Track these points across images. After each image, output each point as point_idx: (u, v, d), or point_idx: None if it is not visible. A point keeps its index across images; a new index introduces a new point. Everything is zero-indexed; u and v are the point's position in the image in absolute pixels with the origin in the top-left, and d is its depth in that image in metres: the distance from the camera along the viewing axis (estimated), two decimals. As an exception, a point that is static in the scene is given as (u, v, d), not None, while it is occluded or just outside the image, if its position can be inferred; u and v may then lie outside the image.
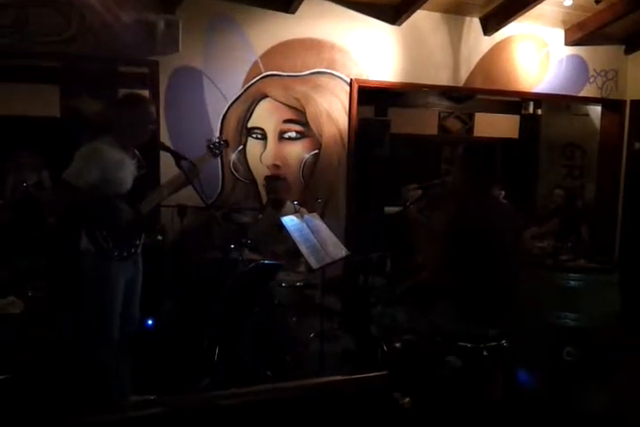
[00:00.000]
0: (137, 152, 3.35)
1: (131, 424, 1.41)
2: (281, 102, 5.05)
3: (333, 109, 5.20)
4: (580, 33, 5.80)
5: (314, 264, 3.65)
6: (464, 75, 5.64)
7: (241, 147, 4.97)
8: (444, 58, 5.53)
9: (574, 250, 4.42)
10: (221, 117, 4.89)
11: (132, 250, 3.24)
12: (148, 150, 3.49)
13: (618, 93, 6.30)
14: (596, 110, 6.87)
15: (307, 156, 5.19)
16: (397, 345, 3.09)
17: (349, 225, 5.31)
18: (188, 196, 4.27)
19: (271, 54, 4.96)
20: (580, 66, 6.10)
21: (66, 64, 5.28)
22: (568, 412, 3.38)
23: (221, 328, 3.79)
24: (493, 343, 2.92)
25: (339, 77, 5.17)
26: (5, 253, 4.25)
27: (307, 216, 4.05)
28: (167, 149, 3.49)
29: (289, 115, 5.09)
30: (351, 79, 5.20)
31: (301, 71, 5.05)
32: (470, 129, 8.34)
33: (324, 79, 5.13)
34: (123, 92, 4.66)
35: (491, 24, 5.55)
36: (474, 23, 5.59)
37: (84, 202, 3.08)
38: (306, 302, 4.44)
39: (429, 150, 8.13)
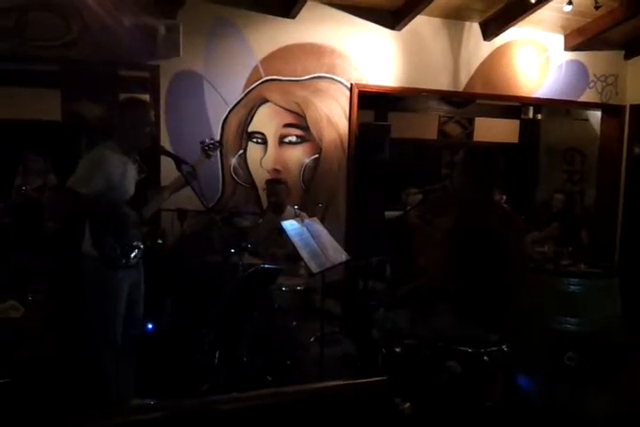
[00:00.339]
0: (136, 156, 3.35)
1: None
2: (281, 107, 5.05)
3: (334, 114, 5.20)
4: (580, 38, 5.81)
5: (314, 269, 3.65)
6: (464, 80, 5.64)
7: (241, 151, 4.98)
8: (443, 63, 5.54)
9: (574, 255, 4.42)
10: (222, 122, 4.89)
11: (135, 255, 3.25)
12: (149, 155, 3.50)
13: (617, 98, 6.31)
14: (595, 115, 6.88)
15: (307, 160, 5.19)
16: (398, 350, 3.08)
17: (349, 230, 5.31)
18: (188, 200, 4.28)
19: (271, 59, 4.97)
20: (580, 71, 6.11)
21: (66, 68, 5.29)
22: (569, 417, 3.37)
23: (222, 332, 3.79)
24: (494, 348, 2.92)
25: (339, 82, 5.18)
26: (5, 256, 4.26)
27: (307, 221, 4.05)
28: (168, 154, 3.51)
29: (289, 119, 5.10)
30: (351, 84, 5.21)
31: (302, 76, 5.06)
32: (470, 134, 8.36)
33: (324, 84, 5.14)
34: (123, 96, 4.67)
35: (490, 29, 5.57)
36: (474, 28, 5.60)
37: (89, 209, 3.09)
38: (306, 306, 4.44)
39: (429, 155, 8.14)
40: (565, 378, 3.48)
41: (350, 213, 5.34)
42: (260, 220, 4.76)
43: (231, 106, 4.91)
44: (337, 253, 4.01)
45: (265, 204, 4.98)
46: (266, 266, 3.90)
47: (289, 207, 4.77)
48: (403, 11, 5.13)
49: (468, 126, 8.33)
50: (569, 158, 8.02)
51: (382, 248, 4.74)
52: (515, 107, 7.98)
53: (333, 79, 5.16)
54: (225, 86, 4.87)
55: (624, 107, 6.33)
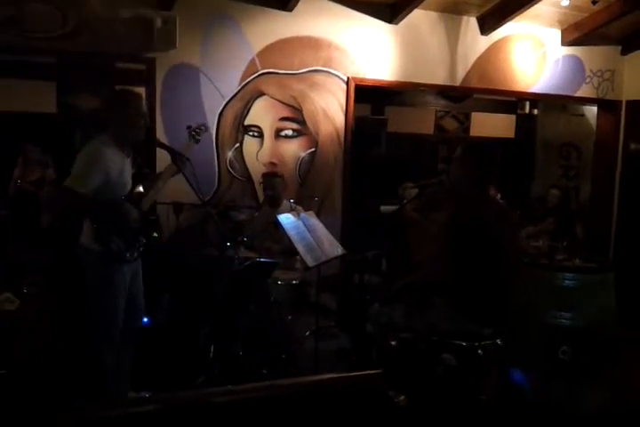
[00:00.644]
0: (130, 148, 3.35)
1: (125, 421, 1.41)
2: (278, 100, 5.04)
3: (330, 108, 5.20)
4: (577, 33, 5.81)
5: (310, 262, 3.65)
6: (461, 74, 5.64)
7: (237, 145, 4.97)
8: (440, 57, 5.53)
9: (570, 249, 4.43)
10: (218, 115, 4.88)
11: (137, 249, 3.25)
12: (145, 147, 3.49)
13: (614, 94, 6.31)
14: (592, 110, 6.89)
15: (303, 154, 5.19)
16: (393, 343, 3.09)
17: (345, 223, 5.31)
18: (184, 193, 4.29)
19: (268, 52, 4.95)
20: (577, 66, 6.11)
21: (62, 60, 5.27)
22: (563, 411, 3.39)
23: (217, 326, 3.79)
24: (488, 342, 2.93)
25: (336, 76, 5.17)
26: (1, 249, 4.25)
27: (303, 214, 4.05)
28: (163, 146, 3.51)
29: (286, 113, 5.09)
30: (348, 77, 5.20)
31: (298, 69, 5.05)
32: (467, 128, 8.35)
33: (320, 77, 5.13)
34: (119, 88, 4.66)
35: (488, 23, 5.56)
36: (471, 22, 5.59)
37: (88, 207, 3.08)
38: (302, 300, 4.45)
39: (426, 149, 8.14)
40: (560, 372, 3.49)
41: (346, 206, 5.34)
42: (256, 213, 4.76)
43: (227, 99, 4.89)
44: (333, 247, 4.01)
45: (261, 197, 4.98)
46: (262, 260, 3.91)
47: (285, 201, 4.77)
48: (400, 4, 5.12)
49: (465, 121, 8.33)
50: (565, 153, 8.03)
51: (378, 242, 4.74)
52: (511, 102, 7.99)
53: (330, 73, 5.15)
54: (221, 79, 4.86)
55: (620, 102, 6.34)
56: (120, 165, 3.18)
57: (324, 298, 4.40)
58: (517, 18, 5.41)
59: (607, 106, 6.40)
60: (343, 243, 4.32)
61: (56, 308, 3.76)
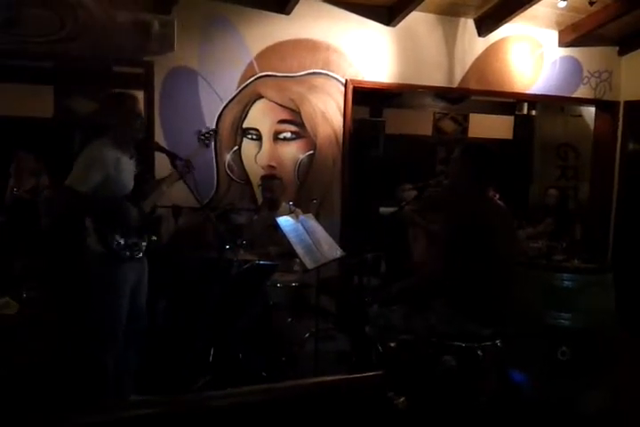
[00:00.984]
0: (133, 150, 3.39)
1: (124, 424, 1.41)
2: (276, 103, 5.05)
3: (328, 110, 5.20)
4: (574, 34, 5.81)
5: (309, 265, 3.65)
6: (459, 76, 5.65)
7: (236, 147, 4.97)
8: (438, 59, 5.54)
9: (568, 250, 4.43)
10: (216, 118, 4.88)
11: (138, 248, 3.26)
12: (144, 151, 3.51)
13: (611, 94, 6.32)
14: (589, 111, 6.89)
15: (302, 156, 5.19)
16: (392, 345, 3.09)
17: (344, 225, 5.31)
18: (183, 196, 4.29)
19: (266, 55, 4.96)
20: (574, 67, 6.12)
21: (60, 64, 5.28)
22: (562, 411, 3.39)
23: (216, 329, 3.79)
24: (488, 343, 2.93)
25: (334, 78, 5.17)
26: (0, 255, 4.25)
27: (302, 217, 4.05)
28: (162, 150, 3.52)
29: (284, 115, 5.09)
30: (346, 80, 5.21)
31: (296, 72, 5.06)
32: (465, 130, 8.36)
33: (319, 80, 5.13)
34: (115, 91, 4.66)
35: (485, 25, 5.57)
36: (468, 24, 5.60)
37: (89, 206, 3.11)
38: (301, 302, 4.44)
39: (424, 151, 8.14)
40: (559, 373, 3.50)
41: (345, 209, 5.35)
42: (255, 216, 4.76)
43: (226, 102, 4.90)
44: (332, 250, 4.01)
45: (260, 200, 4.98)
46: (261, 262, 3.91)
47: (284, 203, 4.77)
48: (398, 7, 5.13)
49: (463, 122, 8.33)
50: (563, 154, 8.03)
51: (377, 244, 4.74)
52: (509, 103, 8.00)
53: (328, 75, 5.15)
54: (219, 82, 4.86)
55: (618, 103, 6.35)
56: (121, 166, 3.21)
57: (323, 300, 4.40)
58: (515, 19, 5.42)
59: (605, 107, 6.40)
60: (342, 245, 4.31)
61: (55, 312, 3.76)
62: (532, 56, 5.90)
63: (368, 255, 4.50)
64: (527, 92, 5.98)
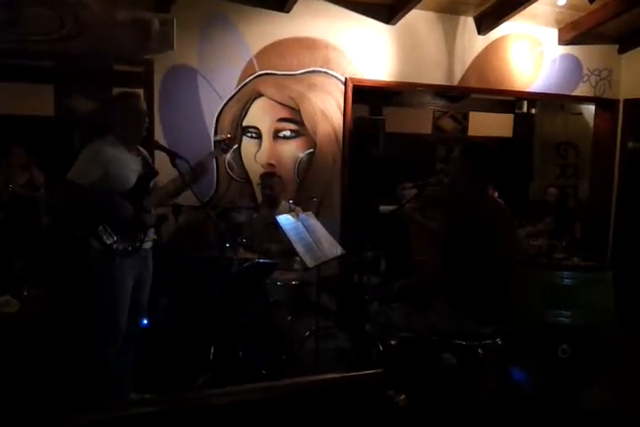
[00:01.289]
0: (143, 151, 3.44)
1: (125, 423, 1.41)
2: (276, 101, 5.05)
3: (328, 108, 5.20)
4: (574, 32, 5.81)
5: (309, 263, 3.65)
6: (458, 74, 5.65)
7: (236, 146, 4.97)
8: (438, 57, 5.54)
9: (568, 248, 4.44)
10: (216, 116, 4.88)
11: (136, 244, 3.26)
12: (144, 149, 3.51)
13: (611, 92, 6.32)
14: (589, 109, 6.89)
15: (301, 155, 5.19)
16: (393, 343, 3.10)
17: (344, 224, 5.31)
18: (183, 195, 4.28)
19: (266, 53, 4.96)
20: (574, 65, 6.12)
21: (60, 63, 5.27)
22: (562, 409, 3.39)
23: (217, 327, 3.79)
24: (488, 341, 2.94)
25: (333, 76, 5.17)
26: (0, 253, 4.25)
27: (302, 215, 4.05)
28: (162, 148, 3.51)
29: (284, 113, 5.09)
30: (346, 78, 5.21)
31: (296, 70, 5.06)
32: (465, 128, 8.36)
33: (318, 78, 5.13)
34: (117, 90, 4.66)
35: (485, 23, 5.57)
36: (468, 22, 5.60)
37: (87, 199, 3.15)
38: (301, 300, 4.45)
39: (424, 149, 8.14)
40: (559, 371, 3.50)
41: (345, 207, 5.35)
42: (255, 214, 4.76)
43: (225, 100, 4.90)
44: (332, 248, 4.02)
45: (260, 198, 4.98)
46: (261, 260, 3.91)
47: (283, 202, 4.77)
48: (397, 5, 5.13)
49: (463, 121, 8.33)
50: (563, 152, 8.03)
51: (377, 242, 4.75)
52: (509, 101, 7.99)
53: (328, 73, 5.15)
54: (219, 81, 4.86)
55: (618, 101, 6.35)
56: (123, 163, 3.24)
57: (323, 298, 4.40)
58: (514, 17, 5.42)
59: (605, 105, 6.40)
60: (342, 243, 4.32)
61: (56, 310, 3.77)
62: (531, 54, 5.90)
63: (368, 253, 4.50)
64: (527, 90, 5.98)
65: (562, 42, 5.96)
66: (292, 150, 5.16)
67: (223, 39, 4.83)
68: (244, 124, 4.99)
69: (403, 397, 1.81)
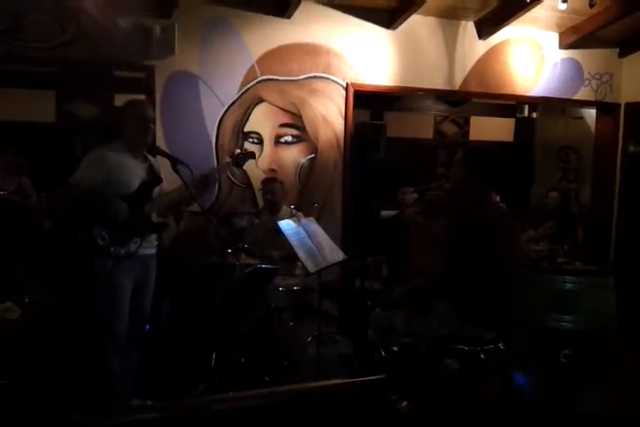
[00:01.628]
0: (151, 158, 3.47)
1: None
2: (277, 107, 5.05)
3: (329, 114, 5.21)
4: (575, 36, 5.82)
5: (311, 268, 3.65)
6: (459, 78, 5.65)
7: (238, 149, 4.97)
8: (439, 62, 5.54)
9: (570, 252, 4.43)
10: (217, 122, 4.89)
11: (131, 248, 3.25)
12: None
13: (612, 96, 6.32)
14: (590, 113, 6.89)
15: (303, 160, 5.19)
16: (395, 348, 3.09)
17: (346, 229, 5.31)
18: (184, 200, 4.28)
19: (267, 59, 4.97)
20: (575, 69, 6.12)
21: (61, 69, 5.28)
22: (565, 414, 3.38)
23: (218, 333, 3.79)
24: (490, 346, 2.93)
25: (335, 82, 5.18)
26: (0, 259, 4.24)
27: (303, 220, 4.05)
28: (163, 154, 3.51)
29: (285, 119, 5.10)
30: (347, 83, 5.21)
31: (297, 75, 5.06)
32: (466, 133, 8.36)
33: (320, 83, 5.14)
34: (118, 97, 4.67)
35: (485, 28, 5.57)
36: (469, 27, 5.61)
37: (85, 200, 3.18)
38: (303, 306, 4.44)
39: (425, 154, 8.14)
40: (561, 376, 3.49)
41: (346, 212, 5.34)
42: (257, 220, 4.76)
43: (227, 106, 4.91)
44: (333, 253, 4.01)
45: (261, 204, 4.98)
46: (263, 266, 3.91)
47: (285, 207, 4.77)
48: (398, 10, 5.14)
49: (464, 125, 8.34)
50: (564, 156, 8.02)
51: (379, 247, 4.74)
52: (510, 105, 7.99)
53: (329, 79, 5.16)
54: (220, 86, 4.87)
55: (619, 105, 6.34)
56: (128, 169, 3.28)
57: (325, 304, 4.39)
58: (515, 22, 5.42)
59: (606, 108, 6.40)
60: (344, 248, 4.32)
61: (58, 316, 3.76)
62: (532, 58, 5.90)
63: (369, 259, 4.50)
64: (528, 94, 5.98)
65: (563, 46, 5.97)
66: (294, 156, 5.16)
67: (224, 45, 4.84)
68: (246, 129, 4.99)
69: (405, 402, 1.80)
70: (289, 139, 5.13)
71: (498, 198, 5.18)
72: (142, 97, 4.51)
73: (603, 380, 3.53)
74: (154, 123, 3.45)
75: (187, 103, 4.79)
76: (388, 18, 5.26)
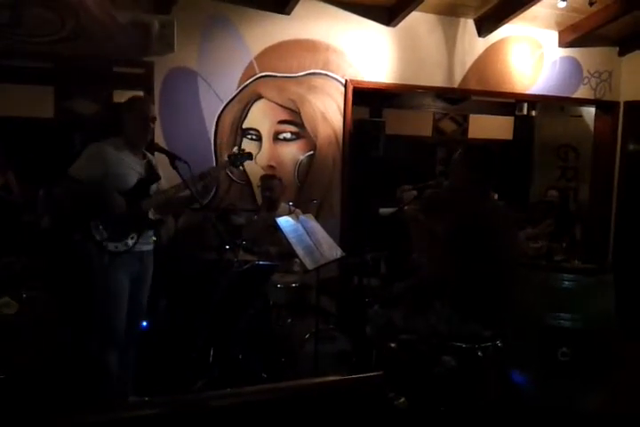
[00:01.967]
0: (149, 155, 3.49)
1: (124, 425, 1.41)
2: (276, 103, 5.05)
3: (328, 110, 5.20)
4: (574, 34, 5.82)
5: (309, 265, 3.65)
6: (458, 76, 5.65)
7: (236, 148, 4.96)
8: (438, 59, 5.54)
9: (568, 251, 4.43)
10: (216, 118, 4.88)
11: (127, 244, 3.25)
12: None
13: (612, 95, 6.32)
14: (589, 112, 6.90)
15: (302, 157, 5.19)
16: (393, 345, 3.09)
17: (344, 226, 5.31)
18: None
19: (266, 55, 4.96)
20: (574, 67, 6.12)
21: (60, 65, 5.26)
22: (562, 412, 3.39)
23: (216, 329, 3.79)
24: (488, 344, 2.93)
25: (334, 78, 5.17)
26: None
27: (302, 217, 4.05)
28: (161, 150, 3.51)
29: (284, 116, 5.09)
30: (346, 80, 5.21)
31: (296, 72, 5.06)
32: (465, 130, 8.35)
33: (319, 80, 5.13)
34: (117, 93, 4.66)
35: (485, 26, 5.57)
36: (468, 25, 5.60)
37: (83, 193, 3.21)
38: (301, 302, 4.44)
39: (424, 152, 8.13)
40: (559, 374, 3.49)
41: (345, 209, 5.34)
42: (255, 216, 4.76)
43: (225, 102, 4.90)
44: (332, 250, 4.01)
45: (260, 201, 4.98)
46: (261, 263, 3.91)
47: (283, 204, 4.77)
48: (398, 7, 5.13)
49: (463, 123, 8.32)
50: (563, 155, 8.03)
51: (377, 244, 4.74)
52: (509, 103, 7.98)
53: (328, 75, 5.15)
54: (219, 83, 4.86)
55: (618, 103, 6.35)
56: (126, 164, 3.29)
57: (323, 301, 4.40)
58: (515, 20, 5.42)
59: (605, 107, 6.41)
60: (342, 245, 4.31)
61: (56, 312, 3.76)
62: (532, 56, 5.90)
63: (368, 256, 4.50)
64: (527, 92, 5.98)
65: (562, 44, 5.97)
66: (293, 152, 5.16)
67: (223, 41, 4.83)
68: (245, 126, 4.99)
69: (403, 399, 1.80)
70: (288, 135, 5.12)
71: (496, 196, 5.19)
72: (141, 93, 4.50)
73: (601, 378, 3.53)
74: (154, 121, 3.44)
75: (185, 99, 4.78)
76: (388, 15, 5.25)
